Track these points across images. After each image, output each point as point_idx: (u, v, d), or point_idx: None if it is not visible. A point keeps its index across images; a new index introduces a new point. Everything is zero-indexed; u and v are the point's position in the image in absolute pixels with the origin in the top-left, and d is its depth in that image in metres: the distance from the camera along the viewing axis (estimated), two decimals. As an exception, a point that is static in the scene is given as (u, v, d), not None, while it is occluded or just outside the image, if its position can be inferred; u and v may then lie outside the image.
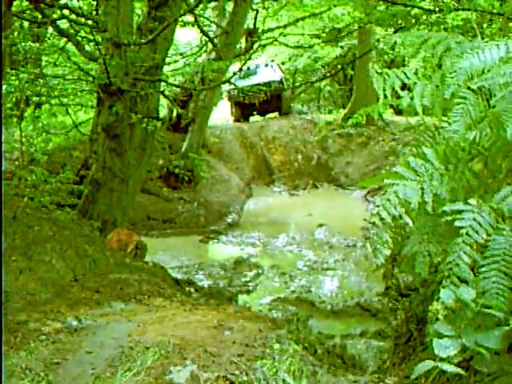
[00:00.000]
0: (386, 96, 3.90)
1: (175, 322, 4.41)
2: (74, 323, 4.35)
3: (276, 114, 21.19)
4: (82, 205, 9.57)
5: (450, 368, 2.61)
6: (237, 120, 20.56)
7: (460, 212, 3.14)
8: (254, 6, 15.47)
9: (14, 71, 13.31)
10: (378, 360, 5.94)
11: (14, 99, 13.78)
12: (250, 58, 16.47)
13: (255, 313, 5.76)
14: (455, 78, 3.66)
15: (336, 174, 18.34)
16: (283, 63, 23.41)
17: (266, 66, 21.33)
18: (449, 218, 3.16)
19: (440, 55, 4.14)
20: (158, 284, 6.58)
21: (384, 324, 7.65)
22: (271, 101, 20.26)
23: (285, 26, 15.88)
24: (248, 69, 20.88)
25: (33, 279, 5.59)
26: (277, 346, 3.83)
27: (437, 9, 11.60)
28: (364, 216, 12.38)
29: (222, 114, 21.04)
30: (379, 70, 3.98)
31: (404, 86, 4.09)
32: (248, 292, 9.80)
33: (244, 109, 20.59)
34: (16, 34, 13.09)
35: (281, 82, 20.43)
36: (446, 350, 2.67)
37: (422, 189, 3.36)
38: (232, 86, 19.08)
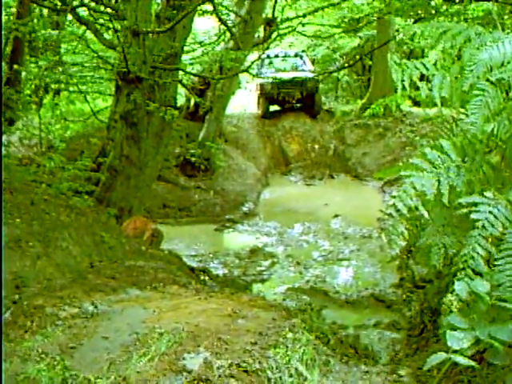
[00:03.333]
0: (404, 87, 3.89)
1: (190, 309, 4.43)
2: (90, 309, 4.39)
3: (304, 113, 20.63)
4: (99, 192, 9.62)
5: (462, 360, 2.62)
6: (263, 116, 19.87)
7: (476, 204, 3.14)
8: (273, -5, 15.39)
9: (33, 58, 13.41)
10: (390, 351, 5.94)
11: (33, 86, 13.89)
12: (268, 48, 16.43)
13: (269, 302, 5.77)
14: (474, 70, 3.64)
15: (353, 164, 18.26)
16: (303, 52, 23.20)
17: (296, 56, 20.95)
18: (465, 210, 3.17)
19: (459, 46, 4.11)
20: (173, 272, 6.62)
21: (398, 315, 7.65)
22: (303, 100, 19.57)
23: (303, 16, 15.76)
24: (276, 56, 20.65)
25: (50, 265, 5.65)
26: (290, 335, 3.84)
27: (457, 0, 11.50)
28: (380, 207, 12.34)
29: (239, 103, 20.84)
30: (398, 61, 3.97)
31: (422, 77, 4.08)
32: (263, 281, 9.84)
33: (274, 104, 19.95)
34: (36, 21, 13.17)
35: (316, 81, 19.73)
36: (459, 342, 2.68)
37: (439, 181, 3.36)
38: (265, 80, 18.89)
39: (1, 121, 6.72)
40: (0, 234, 5.19)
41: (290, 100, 19.39)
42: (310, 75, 19.06)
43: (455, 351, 2.64)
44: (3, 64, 8.98)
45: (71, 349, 3.72)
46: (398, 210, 3.33)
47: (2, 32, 11.29)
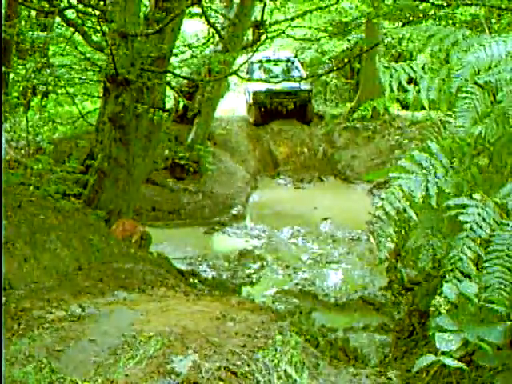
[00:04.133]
0: (392, 89, 3.90)
1: (178, 312, 4.42)
2: (78, 311, 4.37)
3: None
4: (88, 194, 9.58)
5: (451, 362, 2.62)
6: (255, 123, 19.72)
7: (464, 207, 3.14)
8: (262, -2, 15.41)
9: (20, 60, 13.33)
10: (380, 353, 5.95)
11: (20, 88, 13.81)
12: (257, 50, 16.44)
13: (258, 304, 5.77)
14: (462, 73, 3.66)
15: (342, 167, 18.30)
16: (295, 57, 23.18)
17: (288, 61, 20.88)
18: (453, 212, 3.17)
19: (447, 50, 4.13)
20: (161, 274, 6.60)
21: (387, 318, 7.67)
22: (295, 110, 19.55)
23: (292, 19, 15.78)
24: (268, 60, 20.58)
25: (37, 267, 5.62)
26: (279, 337, 3.84)
27: (445, 3, 11.54)
28: (369, 210, 12.38)
29: (228, 107, 20.81)
30: (386, 64, 3.97)
31: (411, 80, 4.09)
32: (252, 284, 9.83)
33: (267, 114, 19.74)
34: (23, 23, 13.11)
35: (310, 92, 19.85)
36: (447, 344, 2.68)
37: (427, 183, 3.37)
38: (258, 88, 18.83)
39: (1, 121, 6.69)
40: (0, 233, 5.16)
41: (283, 110, 19.38)
42: (304, 85, 18.98)
43: (444, 353, 2.65)
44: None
45: (58, 352, 3.69)
46: (386, 213, 3.33)
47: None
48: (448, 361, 2.61)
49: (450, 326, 2.78)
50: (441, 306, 2.89)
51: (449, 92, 3.76)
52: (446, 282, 2.97)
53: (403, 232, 3.80)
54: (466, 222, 3.07)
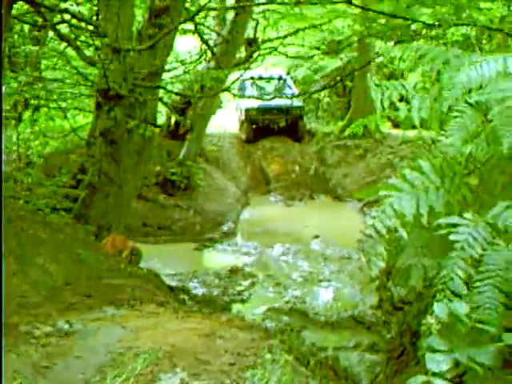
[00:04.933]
0: (383, 107, 3.90)
1: (167, 328, 4.38)
2: (65, 327, 4.32)
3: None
4: (78, 209, 9.54)
5: (442, 383, 2.59)
6: (248, 140, 19.79)
7: (455, 226, 3.13)
8: (255, 16, 15.50)
9: (13, 74, 13.32)
10: (370, 373, 5.93)
11: (12, 101, 13.78)
12: (249, 68, 16.48)
13: (248, 322, 5.74)
14: (453, 92, 3.66)
15: (333, 185, 18.31)
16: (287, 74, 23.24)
17: (280, 78, 20.91)
18: (444, 231, 3.15)
19: (438, 69, 4.14)
20: (151, 290, 6.55)
21: (377, 337, 7.64)
22: (287, 127, 19.63)
23: (285, 37, 15.85)
24: (260, 78, 20.62)
25: (25, 282, 5.56)
26: (268, 356, 3.81)
27: (437, 23, 11.64)
28: (360, 228, 12.29)
29: (220, 123, 20.84)
30: (378, 82, 3.98)
31: (402, 99, 4.09)
32: (242, 301, 9.79)
33: (258, 131, 19.78)
34: (16, 37, 13.11)
35: (301, 109, 19.96)
36: (438, 365, 2.65)
37: (418, 201, 3.35)
38: (250, 105, 18.86)
39: (1, 126, 6.66)
40: (0, 240, 5.11)
41: (275, 127, 19.41)
42: (296, 102, 19.04)
43: (435, 374, 2.62)
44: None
45: (45, 368, 3.64)
46: (377, 231, 3.31)
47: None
48: (439, 382, 2.59)
49: (441, 347, 2.75)
50: (431, 325, 2.86)
51: (440, 111, 3.76)
52: (437, 301, 2.94)
53: (394, 251, 3.78)
54: (457, 242, 3.06)
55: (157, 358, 3.67)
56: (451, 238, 3.08)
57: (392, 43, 17.37)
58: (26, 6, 11.07)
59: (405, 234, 3.31)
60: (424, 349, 2.82)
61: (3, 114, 11.61)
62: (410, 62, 4.42)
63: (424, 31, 15.06)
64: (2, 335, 3.90)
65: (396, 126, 20.19)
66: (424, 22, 11.86)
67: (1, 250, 5.01)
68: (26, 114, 16.00)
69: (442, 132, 3.91)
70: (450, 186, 3.51)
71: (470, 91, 3.71)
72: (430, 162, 3.68)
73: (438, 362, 2.67)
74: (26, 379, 3.48)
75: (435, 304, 2.92)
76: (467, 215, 3.18)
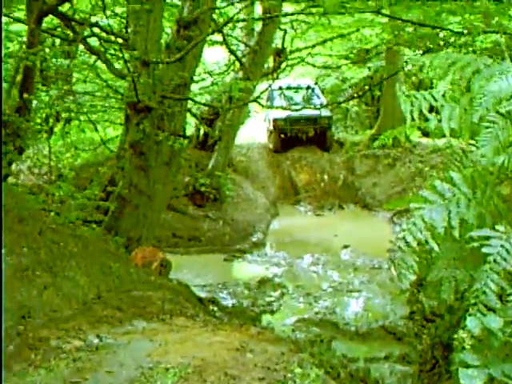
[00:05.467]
0: (413, 118, 3.86)
1: (197, 342, 4.37)
2: (95, 341, 4.33)
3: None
4: (108, 221, 9.60)
5: (475, 399, 2.55)
6: (276, 150, 19.70)
7: (487, 238, 3.08)
8: (282, 26, 15.52)
9: (44, 87, 13.51)
10: (402, 385, 5.84)
11: (43, 115, 13.97)
12: (277, 78, 16.50)
13: (278, 335, 5.71)
14: (484, 102, 3.61)
15: (362, 194, 18.20)
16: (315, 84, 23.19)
17: (308, 88, 20.88)
18: (476, 244, 3.11)
19: (468, 78, 4.09)
20: (180, 303, 6.56)
21: (409, 348, 7.54)
22: (315, 137, 19.52)
23: (313, 46, 15.89)
24: (288, 88, 20.62)
25: (57, 295, 5.59)
26: (298, 370, 3.77)
27: (465, 31, 11.54)
28: (390, 238, 12.23)
29: (248, 134, 20.85)
30: (406, 92, 3.94)
31: (432, 109, 4.05)
32: (272, 312, 9.75)
33: (287, 140, 19.68)
34: (47, 50, 13.29)
35: (330, 118, 19.76)
36: (472, 381, 2.61)
37: (449, 213, 3.31)
38: (279, 115, 18.88)
39: (0, 140, 6.75)
40: (0, 244, 5.17)
41: (303, 137, 19.36)
42: (324, 112, 18.97)
43: (468, 389, 2.58)
44: (14, 92, 9.06)
45: (75, 383, 3.65)
46: (407, 243, 3.27)
47: (12, 60, 11.41)
48: (472, 398, 2.54)
49: (474, 362, 2.70)
50: (464, 340, 2.81)
51: (470, 121, 3.71)
52: (470, 315, 2.89)
53: (425, 263, 3.73)
54: (490, 254, 3.01)
55: (186, 372, 3.65)
56: (484, 250, 3.03)
57: (420, 52, 17.28)
58: (56, 20, 11.25)
59: (436, 247, 3.27)
60: (457, 363, 2.77)
61: (35, 127, 11.75)
62: (439, 70, 4.37)
63: (453, 39, 14.95)
64: (1, 334, 3.93)
65: (425, 134, 20.04)
66: (452, 30, 11.77)
67: (0, 250, 5.06)
68: (58, 127, 16.21)
69: (473, 142, 3.86)
70: (482, 197, 3.46)
71: (500, 101, 3.65)
72: (461, 173, 3.64)
73: (472, 378, 2.63)
74: (56, 394, 3.50)
75: (468, 318, 2.88)
76: (500, 227, 3.12)
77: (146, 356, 4.00)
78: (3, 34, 12.72)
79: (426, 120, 4.01)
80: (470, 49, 15.05)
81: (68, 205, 9.11)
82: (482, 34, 12.79)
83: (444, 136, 4.04)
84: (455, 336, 2.92)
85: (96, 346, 4.28)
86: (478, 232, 3.13)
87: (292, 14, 13.61)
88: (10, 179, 9.29)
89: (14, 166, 9.97)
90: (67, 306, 5.43)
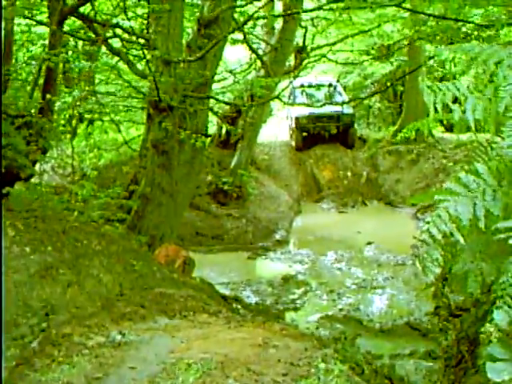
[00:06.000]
0: (436, 110, 3.79)
1: (219, 338, 4.35)
2: (118, 337, 4.33)
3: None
4: (131, 220, 9.63)
5: (503, 393, 2.49)
6: (298, 148, 19.65)
7: (514, 230, 3.01)
8: (303, 24, 15.47)
9: (67, 89, 13.62)
10: (427, 382, 5.79)
11: (67, 116, 14.08)
12: (298, 75, 16.45)
13: (301, 331, 5.67)
14: (509, 91, 3.54)
15: (385, 191, 18.10)
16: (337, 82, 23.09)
17: (330, 86, 20.80)
18: (502, 235, 3.04)
19: (492, 71, 4.02)
20: (203, 300, 6.54)
21: (434, 344, 7.47)
22: (338, 134, 19.43)
23: (334, 43, 15.82)
24: (310, 85, 20.56)
25: (80, 293, 5.62)
26: (322, 365, 3.73)
27: (490, 24, 11.39)
28: (414, 234, 12.13)
29: (270, 132, 20.83)
30: (430, 84, 3.88)
31: (455, 101, 3.98)
32: (295, 309, 9.73)
33: (309, 138, 19.55)
34: (70, 52, 13.40)
35: (352, 115, 19.74)
36: (500, 375, 2.55)
37: (474, 205, 3.24)
38: (301, 113, 18.82)
39: (0, 140, 6.80)
40: (0, 241, 5.22)
41: (326, 134, 19.27)
42: (346, 109, 18.87)
43: (496, 383, 2.52)
44: (37, 93, 9.13)
45: (97, 379, 3.65)
46: (432, 236, 3.22)
47: (34, 62, 11.51)
48: (500, 392, 2.49)
49: (502, 355, 2.65)
50: (491, 333, 2.76)
51: (496, 112, 3.64)
52: (497, 308, 2.83)
53: (450, 256, 3.66)
54: (517, 246, 2.94)
55: (209, 368, 3.63)
56: (510, 242, 2.96)
57: (443, 47, 17.11)
58: (79, 23, 11.32)
59: (461, 239, 3.20)
60: (484, 357, 2.72)
61: (58, 128, 11.84)
62: (462, 64, 4.31)
63: (476, 33, 14.78)
64: (2, 334, 3.94)
65: (448, 129, 19.87)
66: (476, 23, 11.62)
67: (0, 250, 5.09)
68: (81, 128, 16.33)
69: (499, 134, 3.79)
70: (509, 188, 3.38)
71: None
72: (487, 165, 3.57)
73: (500, 372, 2.57)
74: (79, 390, 3.50)
75: (495, 311, 2.82)
76: (526, 218, 3.06)
77: (169, 352, 3.99)
78: (25, 37, 12.87)
79: (450, 112, 3.95)
80: (494, 42, 14.87)
81: (91, 204, 9.15)
82: (506, 26, 12.62)
83: (468, 130, 3.99)
84: (482, 330, 2.86)
85: (119, 342, 4.27)
86: (505, 223, 3.06)
87: (312, 10, 13.54)
88: (34, 179, 9.34)
89: (37, 166, 10.02)
90: (90, 303, 5.44)
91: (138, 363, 3.86)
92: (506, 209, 3.33)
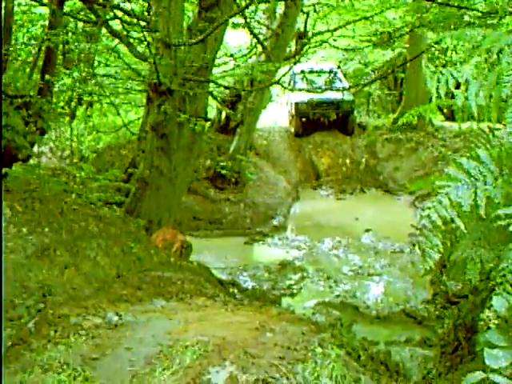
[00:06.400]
0: (439, 95, 3.76)
1: (216, 321, 4.35)
2: (115, 319, 4.32)
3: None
4: (129, 203, 9.61)
5: (501, 380, 2.48)
6: (297, 134, 19.55)
7: (515, 216, 3.00)
8: (305, 9, 15.38)
9: (67, 70, 13.55)
10: (422, 369, 5.79)
11: (66, 98, 14.02)
12: (299, 61, 16.38)
13: (298, 316, 5.67)
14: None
15: (384, 178, 18.08)
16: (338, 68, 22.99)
17: (331, 72, 20.70)
18: (503, 222, 3.03)
19: (494, 60, 3.99)
20: (201, 283, 6.54)
21: (430, 332, 7.50)
22: (338, 121, 19.32)
23: (335, 29, 15.75)
24: (310, 71, 20.47)
25: (77, 275, 5.62)
26: (319, 349, 3.73)
27: (492, 11, 11.32)
28: (412, 222, 12.21)
29: (270, 118, 20.74)
30: (433, 69, 3.85)
31: (458, 87, 3.95)
32: (292, 295, 9.73)
33: (308, 124, 19.49)
34: (70, 34, 13.32)
35: (352, 102, 19.57)
36: (497, 361, 2.55)
37: (475, 191, 3.22)
38: (301, 99, 18.75)
39: (0, 140, 6.80)
40: (0, 239, 5.19)
41: (325, 120, 19.20)
42: (346, 96, 18.79)
43: (493, 370, 2.51)
44: (36, 74, 9.09)
45: (94, 360, 3.64)
46: (432, 222, 3.20)
47: (34, 42, 11.45)
48: (498, 378, 2.48)
49: (500, 342, 2.64)
50: (490, 320, 2.75)
51: (499, 98, 3.62)
52: (496, 295, 2.82)
53: (449, 243, 3.65)
54: (517, 233, 2.93)
55: (205, 351, 3.63)
56: (511, 229, 2.95)
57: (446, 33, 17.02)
58: (79, 4, 11.25)
59: (462, 225, 3.19)
60: (482, 344, 2.71)
61: (57, 110, 11.78)
62: (463, 52, 4.27)
63: (478, 21, 14.71)
64: (2, 333, 3.93)
65: (448, 118, 19.82)
66: (479, 10, 11.55)
67: (0, 249, 5.07)
68: (80, 111, 16.28)
69: (500, 121, 3.77)
70: (510, 175, 3.36)
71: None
72: (488, 152, 3.55)
73: (497, 358, 2.56)
74: (74, 371, 3.49)
75: (494, 298, 2.81)
76: (527, 206, 3.04)
77: (166, 334, 3.99)
78: (25, 18, 12.78)
79: (452, 97, 3.92)
80: (497, 30, 14.78)
81: (89, 186, 9.14)
82: (509, 15, 12.55)
83: (469, 119, 3.96)
84: (480, 316, 2.85)
85: (115, 323, 4.27)
86: (506, 210, 3.05)
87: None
88: (32, 160, 9.32)
89: (36, 148, 10.00)
90: (87, 285, 5.45)
91: (135, 344, 3.85)
92: (506, 196, 3.31)
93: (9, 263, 5.11)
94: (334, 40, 17.25)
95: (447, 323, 6.31)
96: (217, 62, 12.08)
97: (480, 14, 12.43)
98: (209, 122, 12.04)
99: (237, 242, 13.21)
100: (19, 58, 11.71)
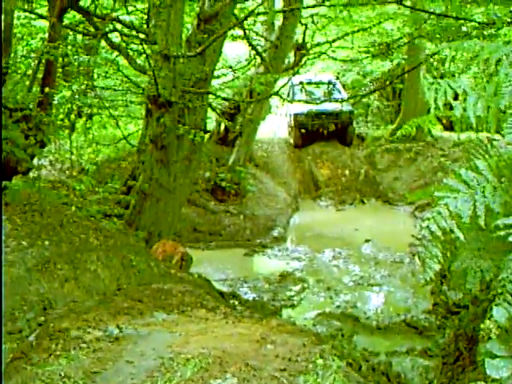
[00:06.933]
0: (437, 106, 3.78)
1: (217, 334, 4.34)
2: (116, 332, 4.32)
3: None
4: (129, 215, 9.62)
5: (502, 390, 2.49)
6: (296, 145, 19.62)
7: (514, 227, 3.01)
8: (303, 21, 15.43)
9: (66, 83, 13.59)
10: (424, 379, 5.79)
11: (65, 110, 14.04)
12: (298, 72, 16.40)
13: (299, 327, 5.66)
14: (510, 88, 3.54)
15: (383, 189, 18.10)
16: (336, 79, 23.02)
17: (329, 83, 20.75)
18: (502, 232, 3.03)
19: (492, 71, 4.01)
20: (201, 295, 6.53)
21: (431, 342, 7.49)
22: (336, 132, 19.34)
23: (333, 41, 15.79)
24: (309, 82, 20.50)
25: (78, 287, 5.61)
26: (320, 361, 3.72)
27: (490, 22, 11.37)
28: (411, 232, 12.19)
29: (269, 129, 20.78)
30: (431, 80, 3.87)
31: (456, 98, 3.97)
32: (292, 306, 9.73)
33: (308, 135, 19.53)
34: (70, 46, 13.36)
35: (351, 113, 19.56)
36: (498, 371, 2.55)
37: (475, 202, 3.23)
38: (300, 110, 18.78)
39: (0, 141, 6.80)
40: (0, 239, 5.20)
41: (324, 131, 19.22)
42: (345, 107, 18.81)
43: (494, 380, 2.52)
44: (36, 87, 9.11)
45: (94, 373, 3.63)
46: (431, 232, 3.21)
47: (33, 55, 11.47)
48: (499, 389, 2.49)
49: (501, 352, 2.64)
50: (490, 330, 2.75)
51: (497, 109, 3.63)
52: (496, 305, 2.83)
53: (448, 253, 3.66)
54: (517, 243, 2.94)
55: (207, 363, 3.62)
56: (510, 239, 2.96)
57: (444, 43, 17.08)
58: (78, 16, 11.29)
59: (461, 236, 3.20)
60: (483, 354, 2.71)
61: (57, 123, 11.80)
62: (462, 62, 4.30)
63: (475, 32, 14.77)
64: (1, 333, 3.92)
65: (447, 128, 19.86)
66: (476, 21, 11.60)
67: (1, 248, 5.08)
68: (79, 123, 16.30)
69: (499, 131, 3.79)
70: (508, 185, 3.38)
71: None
72: (487, 162, 3.56)
73: (499, 368, 2.57)
74: (76, 384, 3.49)
75: (494, 308, 2.81)
76: (527, 216, 3.05)
77: (167, 347, 3.98)
78: (25, 31, 12.82)
79: (451, 109, 3.93)
80: (495, 41, 14.83)
81: (89, 199, 9.15)
82: (506, 25, 12.61)
83: (468, 129, 3.97)
84: (481, 327, 2.85)
85: (116, 336, 4.26)
86: (505, 220, 3.06)
87: (313, 7, 13.52)
88: (32, 173, 9.32)
89: (35, 161, 10.00)
90: (88, 297, 5.44)
91: (136, 358, 3.84)
92: (505, 206, 3.32)
93: (9, 276, 5.10)
94: (333, 51, 17.27)
95: (448, 333, 6.30)
96: (216, 73, 12.11)
97: (478, 25, 12.48)
98: (208, 134, 12.07)
99: (237, 253, 13.21)
100: (19, 71, 11.73)
